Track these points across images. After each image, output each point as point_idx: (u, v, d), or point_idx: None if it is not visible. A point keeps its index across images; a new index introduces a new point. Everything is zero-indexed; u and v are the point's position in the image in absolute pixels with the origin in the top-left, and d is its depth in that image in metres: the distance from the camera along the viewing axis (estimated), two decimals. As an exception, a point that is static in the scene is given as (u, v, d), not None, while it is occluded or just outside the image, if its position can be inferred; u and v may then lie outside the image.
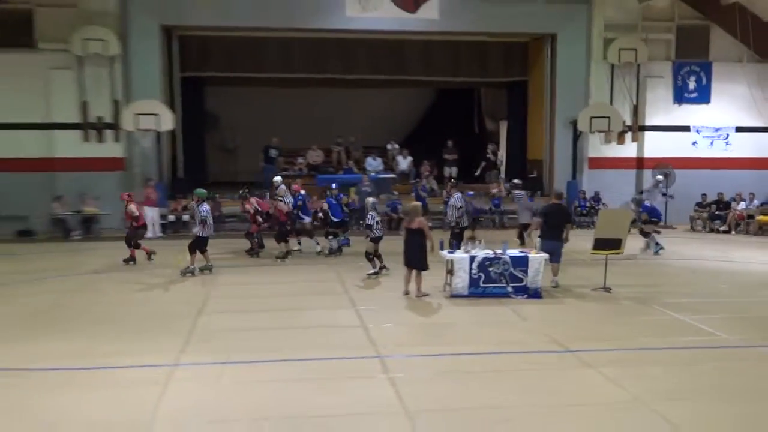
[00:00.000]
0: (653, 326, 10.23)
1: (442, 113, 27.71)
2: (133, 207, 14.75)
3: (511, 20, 21.54)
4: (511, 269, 11.70)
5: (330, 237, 15.98)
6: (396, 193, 21.10)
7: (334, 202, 16.12)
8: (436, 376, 8.08)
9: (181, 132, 21.93)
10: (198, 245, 13.64)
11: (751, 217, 20.59)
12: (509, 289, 11.67)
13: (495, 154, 24.43)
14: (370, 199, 14.38)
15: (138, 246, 14.86)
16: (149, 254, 15.00)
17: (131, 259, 14.76)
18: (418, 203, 13.32)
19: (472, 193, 18.80)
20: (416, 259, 11.83)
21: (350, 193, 20.63)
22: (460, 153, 23.91)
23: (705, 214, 21.33)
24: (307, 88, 25.23)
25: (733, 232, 20.53)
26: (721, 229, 20.70)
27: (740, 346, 9.21)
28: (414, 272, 11.91)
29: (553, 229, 12.45)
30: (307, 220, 16.45)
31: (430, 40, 22.96)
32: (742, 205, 20.91)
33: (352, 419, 6.81)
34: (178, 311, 11.05)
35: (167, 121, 19.65)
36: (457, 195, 15.52)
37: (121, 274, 14.16)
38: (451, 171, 23.45)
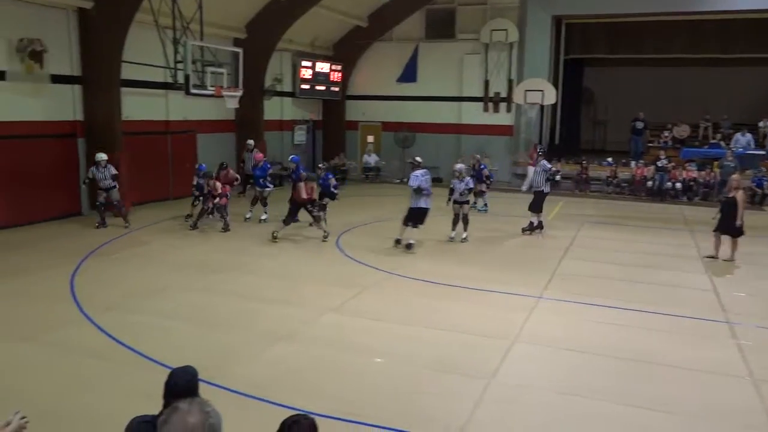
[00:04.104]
0: None
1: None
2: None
3: None
4: None
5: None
6: (764, 169, 18.02)
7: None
8: (789, 351, 6.90)
9: (560, 105, 21.63)
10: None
11: None
12: None
13: None
14: (458, 165, 12.04)
15: None
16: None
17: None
18: (737, 176, 11.27)
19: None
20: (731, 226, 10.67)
21: (714, 167, 18.27)
22: None
23: None
24: (681, 68, 22.68)
25: None
26: None
27: None
28: (728, 237, 10.72)
29: None
30: (270, 188, 13.62)
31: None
32: None
33: (695, 374, 6.25)
34: (546, 254, 11.22)
35: (550, 96, 19.59)
36: (543, 163, 12.81)
37: (506, 217, 14.83)
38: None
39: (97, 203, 12.43)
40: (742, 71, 22.17)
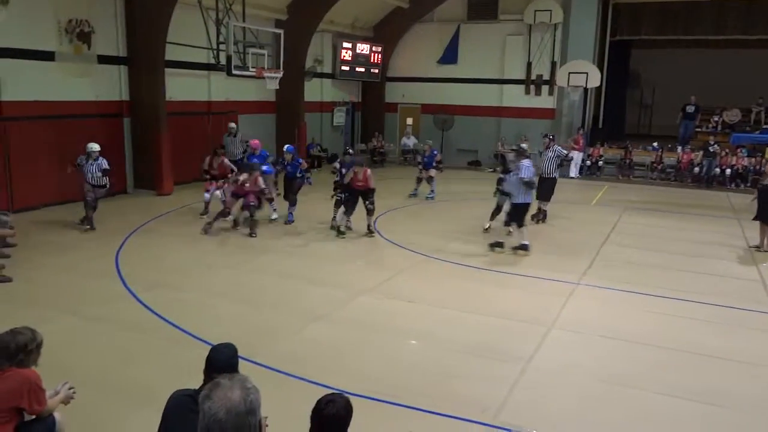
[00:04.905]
0: None
1: None
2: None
3: None
4: None
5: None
6: (819, 156, 17.29)
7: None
8: (841, 345, 6.65)
9: (604, 88, 21.09)
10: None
11: None
12: None
13: None
14: (510, 155, 11.03)
15: None
16: None
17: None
18: None
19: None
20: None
21: (765, 152, 17.61)
22: None
23: None
24: (732, 49, 21.78)
25: None
26: None
27: None
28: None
29: None
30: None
31: None
32: None
33: (743, 366, 6.08)
34: (586, 240, 11.04)
35: (595, 78, 19.09)
36: (557, 148, 12.20)
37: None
38: None
39: (86, 199, 10.50)
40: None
